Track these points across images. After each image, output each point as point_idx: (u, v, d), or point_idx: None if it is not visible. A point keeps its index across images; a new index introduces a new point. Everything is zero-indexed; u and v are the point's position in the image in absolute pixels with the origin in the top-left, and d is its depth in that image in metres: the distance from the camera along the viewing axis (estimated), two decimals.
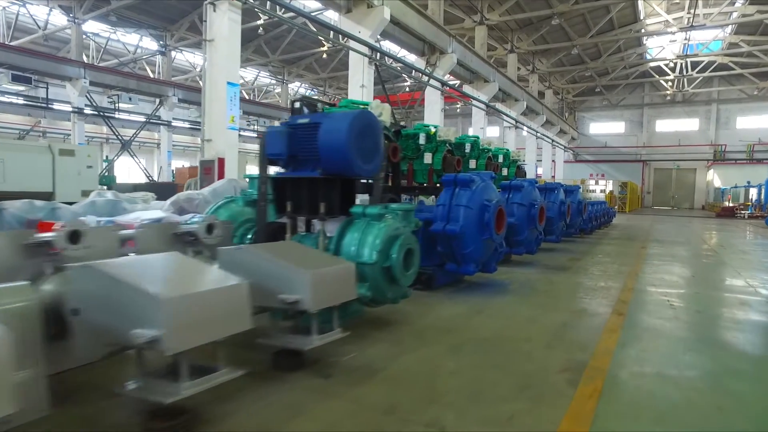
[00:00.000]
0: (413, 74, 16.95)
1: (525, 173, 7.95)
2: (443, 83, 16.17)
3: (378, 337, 3.33)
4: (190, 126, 26.99)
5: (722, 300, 5.07)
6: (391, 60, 15.57)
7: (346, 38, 11.76)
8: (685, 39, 25.73)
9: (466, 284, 5.32)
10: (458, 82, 20.61)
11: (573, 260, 7.48)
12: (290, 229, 3.79)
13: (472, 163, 7.36)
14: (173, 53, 26.54)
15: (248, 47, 28.11)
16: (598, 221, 11.91)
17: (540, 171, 33.03)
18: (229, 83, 8.88)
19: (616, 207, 25.64)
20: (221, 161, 8.88)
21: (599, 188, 26.99)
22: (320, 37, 16.60)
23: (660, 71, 31.45)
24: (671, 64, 29.63)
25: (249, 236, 4.04)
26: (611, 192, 26.08)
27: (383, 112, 4.76)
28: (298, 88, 35.13)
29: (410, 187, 6.14)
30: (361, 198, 4.31)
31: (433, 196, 6.66)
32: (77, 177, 10.42)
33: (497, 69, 20.32)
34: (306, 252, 3.07)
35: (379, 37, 12.93)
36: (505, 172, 7.74)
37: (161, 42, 24.85)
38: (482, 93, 20.04)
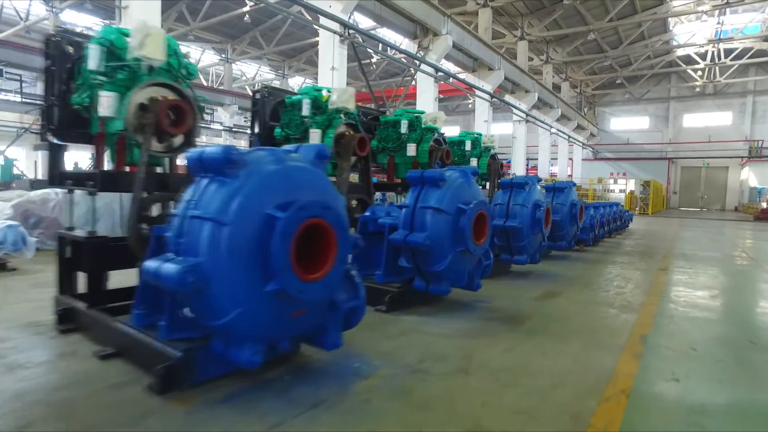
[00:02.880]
0: (405, 60, 15.21)
1: (501, 165, 6.12)
2: (437, 68, 14.33)
3: None
4: None
5: None
6: (377, 45, 13.83)
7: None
8: (718, 23, 23.19)
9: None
10: (463, 72, 18.77)
11: (545, 297, 4.70)
12: None
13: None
14: None
15: (243, 39, 26.83)
16: (607, 228, 9.69)
17: (555, 169, 30.79)
18: None
19: (637, 209, 23.27)
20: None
21: (618, 188, 24.56)
22: (315, 26, 14.98)
23: (688, 60, 28.78)
24: (701, 50, 26.94)
25: None
26: (631, 192, 23.68)
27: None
28: (302, 83, 33.72)
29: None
30: None
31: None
32: None
33: (502, 55, 18.36)
34: None
35: (356, 17, 11.22)
36: (411, 150, 5.66)
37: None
38: (486, 82, 18.12)
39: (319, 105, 4.34)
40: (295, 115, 4.39)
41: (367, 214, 4.18)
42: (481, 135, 6.05)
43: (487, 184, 6.56)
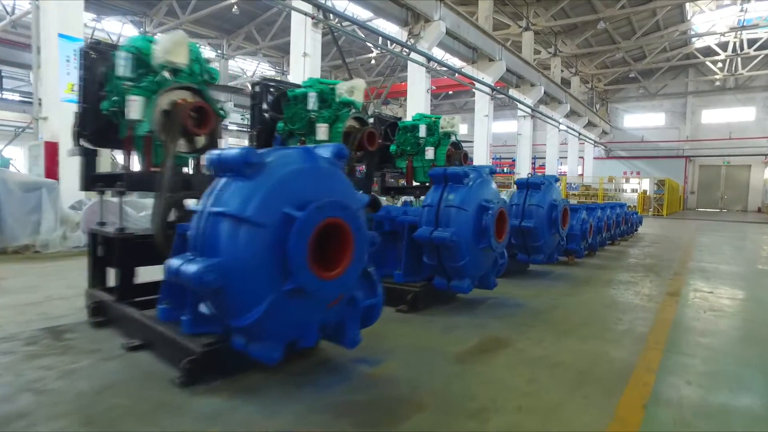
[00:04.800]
0: (393, 48, 14.11)
1: (465, 155, 5.02)
2: (428, 57, 13.18)
3: None
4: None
5: None
6: (352, 26, 12.74)
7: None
8: (741, 10, 21.61)
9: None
10: (462, 65, 17.59)
11: (475, 355, 2.87)
12: None
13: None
14: None
15: (238, 34, 26.03)
16: (608, 234, 7.96)
17: (564, 168, 29.38)
18: (63, 36, 6.28)
19: (651, 210, 21.76)
20: (51, 146, 6.27)
21: (630, 187, 23.04)
22: (286, 8, 13.93)
23: (707, 52, 27.11)
24: (722, 40, 25.26)
25: None
26: (644, 192, 22.17)
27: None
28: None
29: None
30: None
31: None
32: None
33: (504, 45, 17.12)
34: None
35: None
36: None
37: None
38: (486, 74, 16.91)
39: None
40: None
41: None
42: (439, 118, 5.01)
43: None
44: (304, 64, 9.91)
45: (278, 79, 5.19)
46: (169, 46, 3.08)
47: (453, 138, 5.05)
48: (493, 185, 4.00)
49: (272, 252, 2.09)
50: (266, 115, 4.21)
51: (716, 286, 5.39)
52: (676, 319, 3.86)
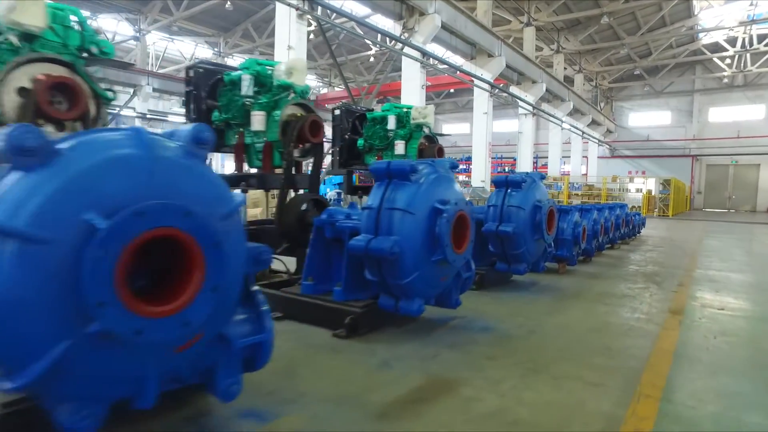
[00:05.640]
0: (387, 43, 13.61)
1: (441, 149, 4.52)
2: (423, 51, 12.65)
3: None
4: None
5: None
6: (341, 18, 12.23)
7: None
8: (751, 4, 20.89)
9: None
10: (463, 61, 17.03)
11: (407, 405, 2.26)
12: None
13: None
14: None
15: (235, 32, 25.59)
16: (606, 238, 7.29)
17: (567, 168, 28.73)
18: None
19: (656, 211, 21.10)
20: None
21: (634, 187, 22.36)
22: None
23: (715, 48, 26.35)
24: (731, 35, 24.48)
25: None
26: (649, 192, 21.50)
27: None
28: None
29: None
30: None
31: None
32: None
33: (503, 40, 16.55)
34: None
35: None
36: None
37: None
38: (485, 70, 16.36)
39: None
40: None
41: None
42: (411, 108, 4.51)
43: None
44: (288, 58, 9.40)
45: (214, 61, 4.77)
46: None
47: (426, 130, 4.56)
48: (455, 183, 3.40)
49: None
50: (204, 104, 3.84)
51: (727, 300, 4.71)
52: (679, 348, 3.21)
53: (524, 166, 21.68)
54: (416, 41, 12.41)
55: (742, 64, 27.04)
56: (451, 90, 32.93)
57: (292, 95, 3.77)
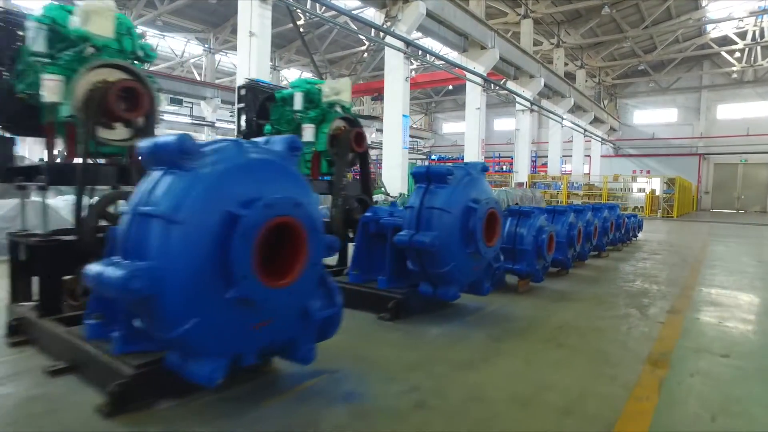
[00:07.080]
0: (372, 34, 12.81)
1: (360, 134, 3.75)
2: (407, 42, 11.85)
3: None
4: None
5: None
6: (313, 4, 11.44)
7: None
8: None
9: None
10: (451, 53, 16.22)
11: None
12: None
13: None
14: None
15: (225, 27, 24.93)
16: (588, 245, 6.17)
17: (568, 167, 27.77)
18: None
19: (659, 211, 20.10)
20: None
21: (636, 186, 21.35)
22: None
23: (723, 41, 25.30)
24: (740, 26, 23.41)
25: None
26: (652, 191, 20.50)
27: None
28: (300, 75, 31.76)
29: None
30: None
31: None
32: None
33: (497, 31, 15.69)
34: None
35: None
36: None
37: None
38: (478, 63, 15.52)
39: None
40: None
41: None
42: (322, 83, 3.75)
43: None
44: (250, 45, 8.63)
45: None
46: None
47: (340, 110, 3.88)
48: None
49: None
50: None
51: (734, 339, 3.40)
52: None
53: (521, 165, 20.80)
54: (399, 30, 11.62)
55: (752, 59, 25.96)
56: (450, 87, 32.05)
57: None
